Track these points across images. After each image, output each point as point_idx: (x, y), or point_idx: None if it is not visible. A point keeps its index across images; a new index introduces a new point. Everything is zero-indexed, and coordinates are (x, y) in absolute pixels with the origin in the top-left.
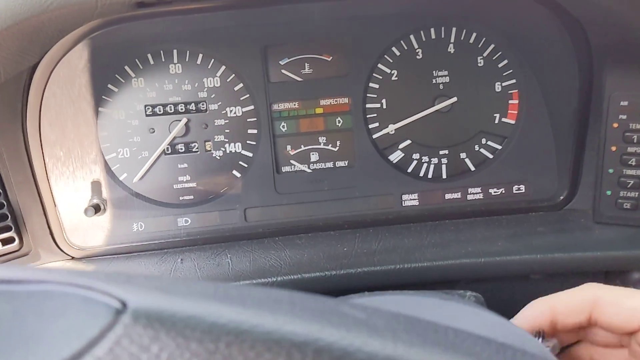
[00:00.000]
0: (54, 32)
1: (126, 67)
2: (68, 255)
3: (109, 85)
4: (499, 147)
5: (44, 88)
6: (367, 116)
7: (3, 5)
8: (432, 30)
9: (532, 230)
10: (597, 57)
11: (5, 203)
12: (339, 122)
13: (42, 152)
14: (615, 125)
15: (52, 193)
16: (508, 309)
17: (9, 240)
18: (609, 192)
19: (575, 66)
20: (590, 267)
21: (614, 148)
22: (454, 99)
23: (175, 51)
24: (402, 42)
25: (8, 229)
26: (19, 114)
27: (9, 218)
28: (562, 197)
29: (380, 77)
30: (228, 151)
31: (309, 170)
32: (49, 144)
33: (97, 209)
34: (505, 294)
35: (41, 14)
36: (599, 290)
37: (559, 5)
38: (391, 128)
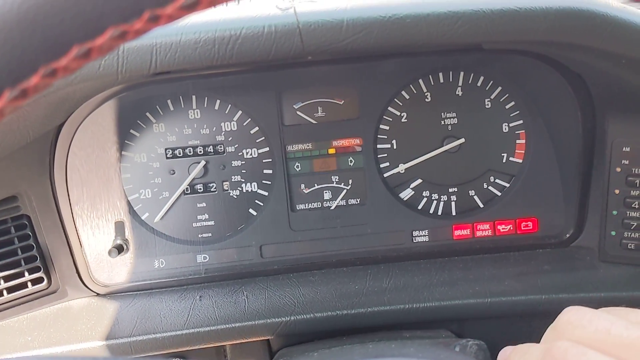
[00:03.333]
0: (79, 99)
1: (147, 114)
2: (93, 292)
3: (131, 131)
4: (507, 185)
5: (70, 142)
6: (378, 156)
7: None
8: (441, 74)
9: (538, 268)
10: (598, 105)
11: (34, 245)
12: (351, 161)
13: (69, 197)
14: (618, 169)
15: (78, 234)
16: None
17: (38, 280)
18: (613, 233)
19: (578, 113)
20: (595, 307)
21: (617, 191)
22: (462, 140)
23: (194, 97)
24: (411, 86)
25: (37, 269)
26: (47, 165)
27: (38, 259)
28: (568, 235)
29: (391, 119)
30: (245, 190)
31: (322, 208)
32: (75, 189)
33: (120, 249)
34: (510, 331)
35: (66, 87)
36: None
37: (559, 62)
38: (401, 167)
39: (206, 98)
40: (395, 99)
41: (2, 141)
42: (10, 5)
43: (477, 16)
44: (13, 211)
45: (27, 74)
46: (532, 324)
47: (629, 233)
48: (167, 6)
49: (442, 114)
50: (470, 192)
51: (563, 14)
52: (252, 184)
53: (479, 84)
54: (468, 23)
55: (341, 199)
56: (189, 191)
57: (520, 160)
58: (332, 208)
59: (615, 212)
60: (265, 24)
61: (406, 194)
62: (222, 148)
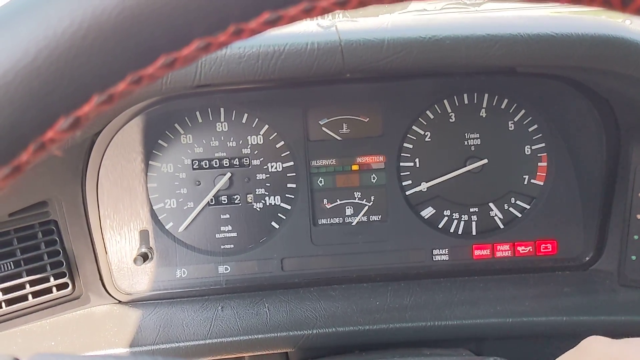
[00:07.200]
0: (119, 108)
1: (176, 125)
2: (116, 299)
3: (160, 141)
4: (528, 206)
5: (104, 151)
6: (401, 174)
7: None
8: (465, 95)
9: (558, 290)
10: (624, 131)
11: (61, 251)
12: (374, 178)
13: (98, 205)
14: None
15: (104, 241)
16: None
17: (64, 286)
18: (634, 257)
19: (603, 138)
20: (615, 330)
21: (639, 216)
22: (485, 161)
23: (222, 110)
24: (436, 106)
25: (63, 275)
26: (80, 173)
27: (64, 265)
28: (588, 258)
29: (414, 138)
30: (268, 203)
31: (344, 224)
32: (104, 197)
33: (145, 257)
34: (527, 351)
35: None
36: None
37: (588, 87)
38: (424, 186)
39: (234, 111)
40: (420, 118)
41: None
42: (108, 16)
43: (514, 40)
44: (42, 216)
45: (116, 81)
46: (549, 345)
47: None
48: (252, 21)
49: (466, 134)
50: (490, 212)
51: (598, 41)
52: (276, 197)
53: (503, 106)
54: (505, 47)
55: (363, 215)
56: (213, 202)
57: (542, 183)
58: (353, 224)
59: (636, 237)
60: (308, 41)
61: (427, 213)
62: (248, 161)
